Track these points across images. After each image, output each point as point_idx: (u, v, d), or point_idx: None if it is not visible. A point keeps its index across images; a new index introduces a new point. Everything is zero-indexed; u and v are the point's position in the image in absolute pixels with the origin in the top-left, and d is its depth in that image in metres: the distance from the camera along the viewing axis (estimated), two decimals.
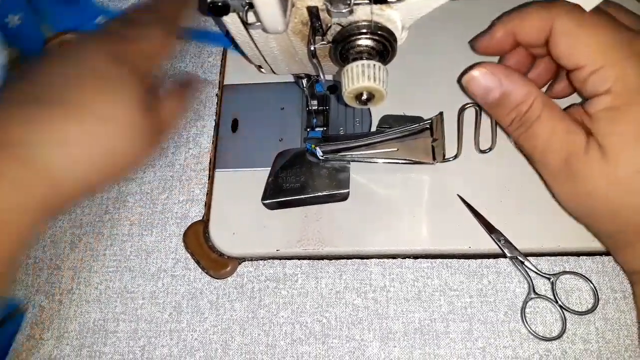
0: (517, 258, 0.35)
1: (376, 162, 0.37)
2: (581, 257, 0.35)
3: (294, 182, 0.37)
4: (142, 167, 0.32)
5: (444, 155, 0.37)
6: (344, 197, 0.37)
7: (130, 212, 0.40)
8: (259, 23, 0.25)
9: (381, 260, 0.36)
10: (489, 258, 0.36)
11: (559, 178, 0.30)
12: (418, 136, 0.37)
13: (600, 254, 0.35)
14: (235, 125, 0.41)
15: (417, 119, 0.38)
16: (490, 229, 0.35)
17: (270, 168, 0.38)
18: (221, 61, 0.44)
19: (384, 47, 0.27)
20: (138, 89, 0.29)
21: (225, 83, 0.43)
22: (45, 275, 0.39)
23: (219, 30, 0.45)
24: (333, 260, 0.37)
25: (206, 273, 0.37)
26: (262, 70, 0.37)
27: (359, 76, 0.26)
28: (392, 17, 0.26)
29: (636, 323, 0.33)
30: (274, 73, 0.37)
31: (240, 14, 0.26)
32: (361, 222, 0.36)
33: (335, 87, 0.40)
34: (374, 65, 0.26)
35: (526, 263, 0.34)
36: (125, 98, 0.28)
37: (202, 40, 0.44)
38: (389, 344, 0.34)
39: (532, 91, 0.29)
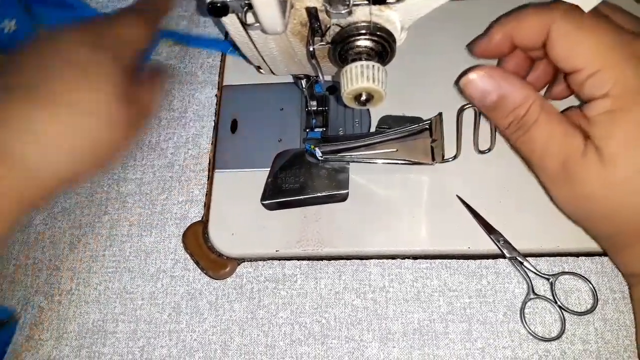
0: (516, 258, 0.35)
1: (375, 163, 0.37)
2: (580, 257, 0.35)
3: (293, 182, 0.37)
4: (122, 155, 0.33)
5: (443, 156, 0.37)
6: (343, 198, 0.37)
7: (130, 213, 0.40)
8: (258, 24, 0.25)
9: (380, 260, 0.36)
10: (488, 258, 0.36)
11: (556, 181, 0.30)
12: (417, 137, 0.37)
13: (599, 254, 0.35)
14: (234, 126, 0.41)
15: (417, 120, 0.38)
16: (489, 229, 0.35)
17: (269, 169, 0.38)
18: (220, 62, 0.44)
19: (383, 47, 0.27)
20: (116, 78, 0.30)
21: (224, 84, 0.43)
22: (44, 276, 0.39)
23: (218, 31, 0.45)
24: (332, 261, 0.37)
25: (205, 274, 0.37)
26: (261, 71, 0.37)
27: (358, 77, 0.26)
28: (391, 18, 0.26)
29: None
30: (273, 74, 0.37)
31: (239, 14, 0.26)
32: (360, 222, 0.36)
33: (334, 88, 0.40)
34: (373, 66, 0.26)
35: (525, 263, 0.34)
36: (103, 88, 0.29)
37: (200, 46, 0.44)
38: (388, 344, 0.34)
39: (530, 95, 0.29)
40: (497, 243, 0.35)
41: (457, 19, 0.41)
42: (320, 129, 0.39)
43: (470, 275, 0.36)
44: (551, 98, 0.36)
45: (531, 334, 0.33)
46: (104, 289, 0.38)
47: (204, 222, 0.39)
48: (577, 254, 0.35)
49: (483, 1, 0.41)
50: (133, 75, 0.32)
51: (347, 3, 0.25)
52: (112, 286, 0.38)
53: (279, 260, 0.37)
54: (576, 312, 0.34)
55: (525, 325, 0.34)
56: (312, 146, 0.37)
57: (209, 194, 0.39)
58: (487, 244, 0.35)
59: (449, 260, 0.36)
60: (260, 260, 0.37)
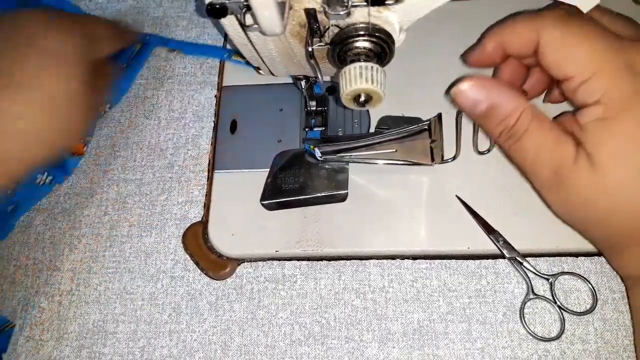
0: (515, 259, 0.35)
1: (375, 163, 0.37)
2: (579, 257, 0.35)
3: (293, 182, 0.37)
4: (79, 140, 0.35)
5: (442, 157, 0.37)
6: (342, 198, 0.37)
7: (130, 214, 0.40)
8: (257, 25, 0.25)
9: (380, 261, 0.37)
10: (487, 259, 0.36)
11: (549, 188, 0.30)
12: (416, 137, 0.37)
13: (598, 254, 0.35)
14: (234, 127, 0.41)
15: (416, 120, 0.38)
16: (488, 229, 0.35)
17: (269, 169, 0.38)
18: (220, 63, 0.44)
19: (382, 49, 0.27)
20: (81, 67, 0.30)
21: (224, 84, 0.43)
22: (44, 276, 0.39)
23: (217, 32, 0.45)
24: (332, 261, 0.37)
25: (205, 274, 0.38)
26: (261, 72, 0.37)
27: (357, 78, 0.26)
28: (389, 19, 0.26)
29: None
30: (273, 75, 0.37)
31: (238, 16, 0.26)
32: (360, 223, 0.37)
33: (333, 89, 0.40)
34: (372, 67, 0.26)
35: (525, 264, 0.35)
36: (68, 74, 0.29)
37: (196, 54, 0.44)
38: (388, 344, 0.34)
39: (520, 104, 0.29)
40: (497, 243, 0.35)
41: (455, 20, 0.41)
42: (320, 128, 0.39)
43: (470, 276, 0.36)
44: (550, 102, 0.36)
45: (531, 334, 0.34)
46: (104, 289, 0.38)
47: (203, 223, 0.39)
48: (577, 254, 0.35)
49: (482, 2, 0.41)
50: (97, 70, 0.33)
51: (346, 4, 0.25)
52: (113, 287, 0.38)
53: (279, 260, 0.37)
54: (576, 312, 0.34)
55: (525, 325, 0.34)
56: (312, 146, 0.37)
57: (208, 195, 0.39)
58: (486, 244, 0.35)
59: (449, 261, 0.36)
60: (260, 260, 0.38)
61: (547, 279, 0.34)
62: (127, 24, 0.42)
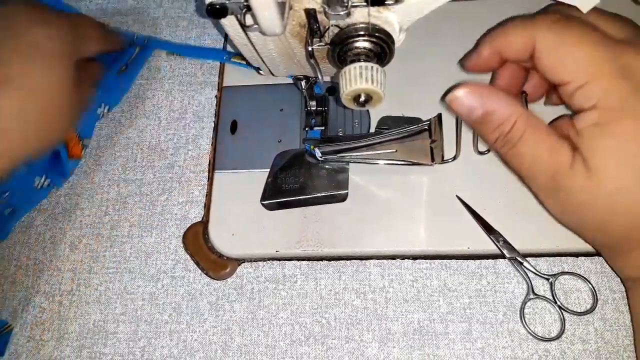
0: (515, 259, 0.35)
1: (375, 163, 0.37)
2: (580, 257, 0.35)
3: (293, 182, 0.37)
4: (64, 135, 0.36)
5: (442, 157, 0.37)
6: (343, 198, 0.37)
7: (130, 214, 0.40)
8: (257, 25, 0.25)
9: (380, 261, 0.37)
10: (487, 259, 0.36)
11: (546, 192, 0.31)
12: (417, 137, 0.37)
13: (598, 254, 0.35)
14: (234, 127, 0.41)
15: (416, 120, 0.38)
16: (489, 229, 0.35)
17: (269, 169, 0.38)
18: (220, 63, 0.44)
19: (382, 49, 0.27)
20: (68, 62, 0.30)
21: (224, 85, 0.43)
22: (45, 276, 0.39)
23: (217, 32, 0.46)
24: (332, 261, 0.37)
25: (206, 274, 0.38)
26: (261, 72, 0.38)
27: (357, 78, 0.26)
28: (389, 19, 0.26)
29: None
30: (273, 75, 0.37)
31: (238, 16, 0.26)
32: (360, 223, 0.37)
33: (334, 89, 0.40)
34: (372, 67, 0.26)
35: (525, 264, 0.35)
36: (54, 70, 0.29)
37: (194, 57, 0.44)
38: (388, 344, 0.34)
39: (515, 110, 0.29)
40: (497, 243, 0.35)
41: (455, 20, 0.41)
42: (320, 128, 0.39)
43: (470, 276, 0.36)
44: (552, 103, 0.36)
45: (531, 334, 0.34)
46: (104, 289, 0.38)
47: (204, 223, 0.39)
48: (577, 254, 0.35)
49: (482, 2, 0.41)
50: (83, 68, 0.34)
51: (346, 4, 0.25)
52: (113, 287, 0.38)
53: (279, 260, 0.37)
54: (576, 312, 0.34)
55: (525, 325, 0.34)
56: (312, 146, 0.37)
57: (209, 195, 0.39)
58: (486, 244, 0.35)
59: (449, 261, 0.36)
60: (261, 260, 0.38)
61: (548, 279, 0.34)
62: (114, 28, 0.42)
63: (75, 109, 0.34)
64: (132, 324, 0.37)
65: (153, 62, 0.45)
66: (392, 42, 0.27)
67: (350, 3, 0.25)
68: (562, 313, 0.34)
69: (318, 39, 0.28)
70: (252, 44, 0.30)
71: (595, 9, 0.28)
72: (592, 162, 0.27)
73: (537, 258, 0.35)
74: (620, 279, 0.34)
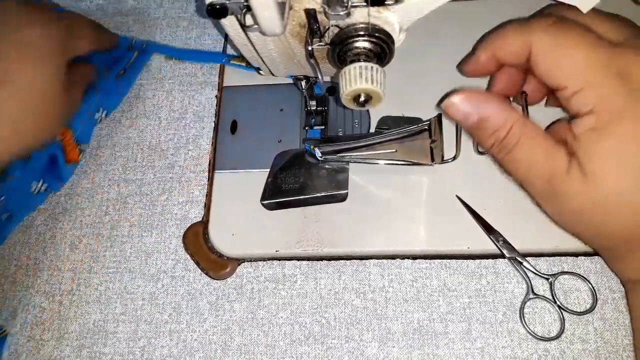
0: (515, 258, 0.35)
1: (375, 163, 0.37)
2: (579, 257, 0.35)
3: (293, 182, 0.38)
4: (54, 134, 0.37)
5: (442, 157, 0.37)
6: (342, 198, 0.37)
7: (130, 214, 0.40)
8: (257, 26, 0.25)
9: (380, 260, 0.37)
10: (487, 258, 0.36)
11: (543, 198, 0.31)
12: (416, 137, 0.37)
13: (598, 254, 0.35)
14: (234, 127, 0.41)
15: (416, 120, 0.38)
16: (488, 229, 0.35)
17: (269, 169, 0.38)
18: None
19: (382, 49, 0.27)
20: (60, 61, 0.30)
21: (224, 85, 0.43)
22: (45, 276, 0.39)
23: (217, 32, 0.46)
24: (332, 261, 0.37)
25: (205, 274, 0.38)
26: (261, 72, 0.38)
27: (357, 78, 0.26)
28: (389, 20, 0.26)
29: None
30: (273, 75, 0.37)
31: (238, 16, 0.26)
32: (360, 222, 0.37)
33: (334, 89, 0.40)
34: (372, 67, 0.26)
35: (525, 263, 0.35)
36: (47, 70, 0.29)
37: (193, 60, 0.44)
38: (387, 344, 0.34)
39: (511, 116, 0.29)
40: (497, 243, 0.35)
41: (455, 20, 0.41)
42: (320, 128, 0.39)
43: (470, 275, 0.36)
44: (552, 106, 0.36)
45: (530, 334, 0.34)
46: (104, 289, 0.38)
47: (204, 223, 0.39)
48: (576, 254, 0.35)
49: (481, 2, 0.42)
50: (75, 68, 0.34)
51: (346, 5, 0.25)
52: (113, 286, 0.38)
53: (279, 260, 0.37)
54: (575, 311, 0.34)
55: (525, 325, 0.34)
56: (312, 146, 0.37)
57: (209, 195, 0.40)
58: (486, 244, 0.35)
59: (449, 261, 0.36)
60: (260, 260, 0.38)
61: (547, 279, 0.34)
62: (106, 28, 0.42)
63: (65, 109, 0.34)
64: (132, 323, 0.37)
65: (153, 62, 0.45)
66: (392, 42, 0.27)
67: (350, 3, 0.25)
68: (561, 313, 0.34)
69: (318, 39, 0.28)
70: (252, 44, 0.30)
71: (593, 10, 0.28)
72: (588, 167, 0.27)
73: (537, 258, 0.35)
74: (620, 280, 0.34)
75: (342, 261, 0.37)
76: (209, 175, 0.40)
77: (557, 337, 0.33)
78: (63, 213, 0.41)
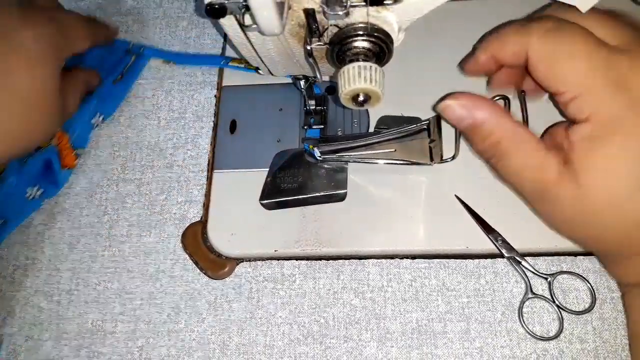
0: (514, 258, 0.35)
1: (374, 163, 0.37)
2: (578, 257, 0.35)
3: (292, 182, 0.38)
4: (46, 137, 0.36)
5: (441, 156, 0.37)
6: (341, 198, 0.37)
7: (129, 213, 0.40)
8: (256, 25, 0.25)
9: (379, 260, 0.37)
10: (486, 258, 0.36)
11: (536, 202, 0.31)
12: (415, 137, 0.37)
13: None
14: (233, 127, 0.41)
15: (415, 120, 0.38)
16: (487, 229, 0.35)
17: (268, 169, 0.38)
18: None
19: (381, 48, 0.27)
20: (56, 64, 0.30)
21: (223, 84, 0.43)
22: (44, 276, 0.39)
23: (216, 32, 0.46)
24: (331, 261, 0.37)
25: (204, 274, 0.38)
26: (260, 72, 0.38)
27: (355, 78, 0.26)
28: (388, 19, 0.26)
29: None
30: (272, 75, 0.37)
31: (237, 16, 0.26)
32: (359, 222, 0.37)
33: (333, 89, 0.40)
34: (370, 67, 0.26)
35: (523, 263, 0.35)
36: (41, 75, 0.30)
37: (190, 64, 0.44)
38: (386, 344, 0.34)
39: (504, 123, 0.29)
40: (496, 243, 0.35)
41: (455, 20, 0.41)
42: (319, 127, 0.39)
43: (469, 275, 0.36)
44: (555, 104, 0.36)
45: (529, 333, 0.34)
46: (103, 289, 0.38)
47: (203, 223, 0.39)
48: (575, 254, 0.35)
49: (481, 2, 0.42)
50: (71, 73, 0.34)
51: (344, 4, 0.25)
52: (112, 286, 0.38)
53: (278, 260, 0.37)
54: (574, 311, 0.34)
55: (524, 324, 0.34)
56: (311, 146, 0.37)
57: (208, 195, 0.39)
58: (485, 244, 0.35)
59: (447, 260, 0.36)
60: (259, 260, 0.38)
61: (546, 278, 0.34)
62: (102, 20, 0.42)
63: (61, 111, 0.34)
64: (131, 323, 0.37)
65: (153, 62, 0.45)
66: (391, 41, 0.27)
67: (349, 3, 0.25)
68: (560, 312, 0.34)
69: (317, 39, 0.28)
70: (251, 43, 0.30)
71: (593, 9, 0.28)
72: (582, 176, 0.27)
73: (536, 257, 0.35)
74: (617, 283, 0.34)
75: (341, 261, 0.37)
76: (207, 175, 0.40)
77: (556, 336, 0.33)
78: (61, 212, 0.41)
